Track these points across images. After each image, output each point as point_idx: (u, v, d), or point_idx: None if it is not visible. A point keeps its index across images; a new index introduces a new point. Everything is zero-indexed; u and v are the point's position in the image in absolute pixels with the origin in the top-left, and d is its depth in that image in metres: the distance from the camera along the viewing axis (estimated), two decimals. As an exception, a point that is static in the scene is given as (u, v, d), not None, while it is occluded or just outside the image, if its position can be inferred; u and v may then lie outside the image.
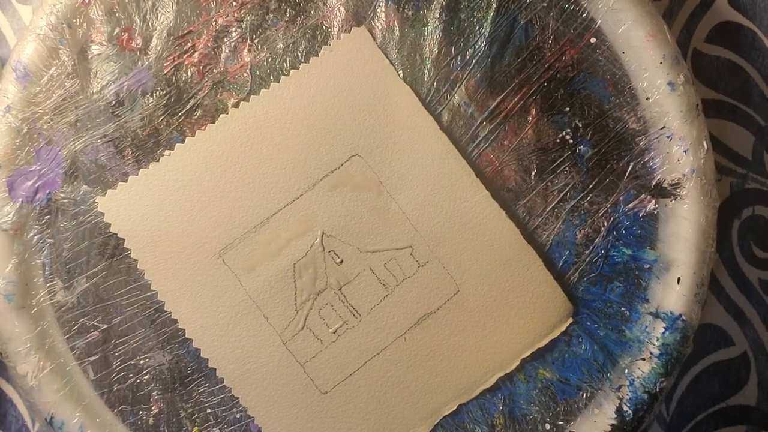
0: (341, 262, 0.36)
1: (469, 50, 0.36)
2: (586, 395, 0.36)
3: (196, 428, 0.36)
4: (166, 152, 0.35)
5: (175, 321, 0.35)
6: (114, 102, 0.36)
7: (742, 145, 0.42)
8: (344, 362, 0.36)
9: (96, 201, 0.35)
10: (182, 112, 0.36)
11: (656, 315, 0.36)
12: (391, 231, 0.36)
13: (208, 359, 0.35)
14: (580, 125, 0.37)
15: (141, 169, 0.35)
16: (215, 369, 0.35)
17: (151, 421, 0.36)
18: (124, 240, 0.35)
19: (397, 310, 0.36)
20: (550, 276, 0.36)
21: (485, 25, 0.36)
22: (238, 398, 0.36)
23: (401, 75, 0.36)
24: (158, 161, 0.35)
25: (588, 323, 0.37)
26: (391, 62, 0.36)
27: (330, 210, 0.36)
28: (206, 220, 0.35)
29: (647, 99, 0.36)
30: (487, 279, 0.36)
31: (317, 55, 0.36)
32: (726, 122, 0.42)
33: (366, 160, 0.36)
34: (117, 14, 0.36)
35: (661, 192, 0.36)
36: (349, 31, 0.36)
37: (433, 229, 0.36)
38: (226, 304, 0.35)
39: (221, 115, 0.36)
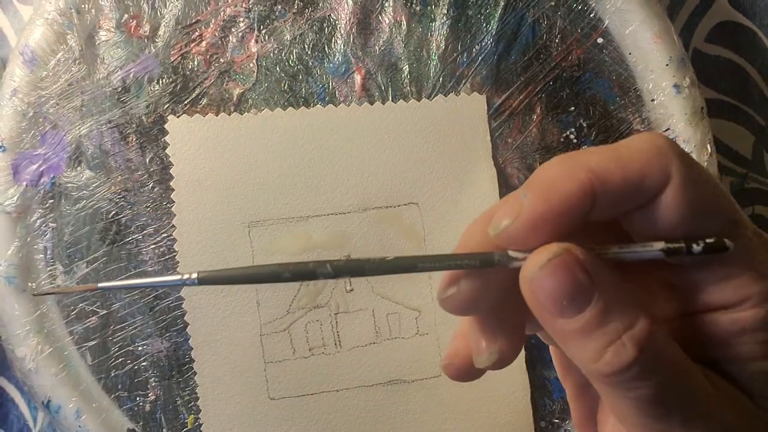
0: (351, 290, 0.36)
1: (476, 47, 0.36)
2: (583, 394, 0.36)
3: (192, 416, 0.36)
4: (252, 110, 0.36)
5: (174, 309, 0.35)
6: (120, 88, 0.36)
7: (742, 144, 0.42)
8: (303, 381, 0.36)
9: (168, 119, 0.36)
10: (188, 100, 0.36)
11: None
12: (410, 288, 0.36)
13: (187, 311, 0.35)
14: (585, 125, 0.37)
15: (222, 114, 0.36)
16: (188, 324, 0.35)
17: (147, 407, 0.36)
18: (172, 165, 0.35)
19: (376, 361, 0.36)
20: (530, 414, 0.36)
21: (492, 22, 0.37)
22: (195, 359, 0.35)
23: (408, 71, 0.36)
24: (242, 114, 0.36)
25: (587, 323, 0.37)
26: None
27: (367, 239, 0.36)
28: (253, 190, 0.36)
29: (652, 100, 0.36)
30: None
31: (430, 99, 0.36)
32: (726, 122, 0.42)
33: (421, 213, 0.36)
34: (125, 1, 0.36)
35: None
36: (458, 89, 0.36)
37: None
38: None
39: (316, 106, 0.36)
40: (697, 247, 0.20)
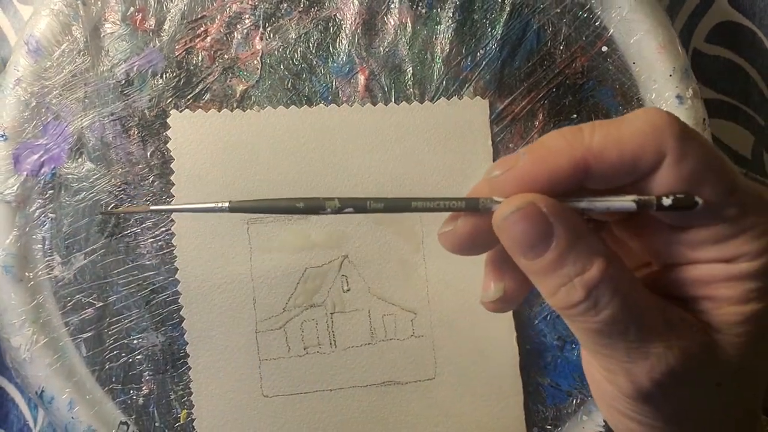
0: (348, 290, 0.36)
1: (480, 51, 0.37)
2: (576, 401, 0.36)
3: (185, 411, 0.36)
4: (255, 107, 0.36)
5: (170, 303, 0.35)
6: (123, 81, 0.36)
7: (741, 144, 0.42)
8: (297, 379, 0.36)
9: (170, 114, 0.36)
10: (191, 95, 0.36)
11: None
12: (406, 289, 0.36)
13: (183, 306, 0.35)
14: (587, 133, 0.37)
15: (224, 110, 0.36)
16: (184, 318, 0.35)
17: (140, 401, 0.36)
18: (173, 159, 0.36)
19: (371, 362, 0.36)
20: (523, 420, 0.36)
21: (498, 27, 0.37)
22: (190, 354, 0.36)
23: (411, 73, 0.36)
24: (244, 111, 0.36)
25: (582, 331, 0.37)
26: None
27: (365, 240, 0.36)
28: (253, 187, 0.36)
29: (655, 110, 0.36)
30: (466, 384, 0.36)
31: (433, 102, 0.36)
32: (725, 122, 0.42)
33: (420, 215, 0.36)
34: (132, -6, 0.36)
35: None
36: (461, 93, 0.36)
37: (445, 310, 0.36)
38: (228, 269, 0.35)
39: (319, 105, 0.36)
40: (667, 200, 0.22)
